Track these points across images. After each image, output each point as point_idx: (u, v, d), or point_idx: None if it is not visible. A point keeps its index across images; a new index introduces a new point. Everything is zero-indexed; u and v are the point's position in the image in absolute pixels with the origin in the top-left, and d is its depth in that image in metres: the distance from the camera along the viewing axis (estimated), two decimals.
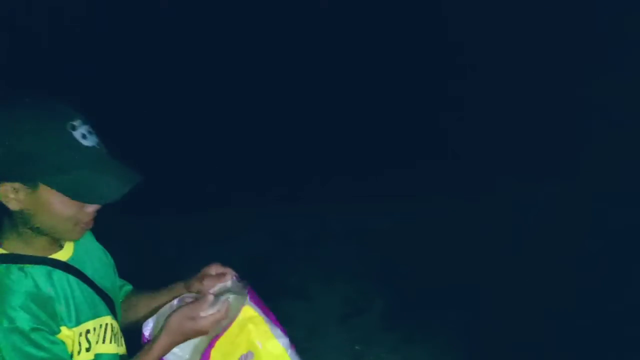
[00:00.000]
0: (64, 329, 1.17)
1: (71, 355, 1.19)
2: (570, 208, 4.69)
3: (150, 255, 4.68)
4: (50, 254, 1.23)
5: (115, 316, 1.37)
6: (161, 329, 1.31)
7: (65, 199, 1.13)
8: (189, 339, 1.33)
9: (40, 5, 6.19)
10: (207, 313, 1.30)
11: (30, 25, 6.22)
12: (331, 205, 5.23)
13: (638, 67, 5.52)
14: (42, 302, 1.13)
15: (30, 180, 1.09)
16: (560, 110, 5.82)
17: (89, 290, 1.28)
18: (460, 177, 5.34)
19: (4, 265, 1.14)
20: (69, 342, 1.18)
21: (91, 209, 1.22)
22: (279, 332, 1.42)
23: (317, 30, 6.66)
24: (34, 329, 1.09)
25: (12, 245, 1.18)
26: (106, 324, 1.31)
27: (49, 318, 1.14)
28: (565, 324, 3.38)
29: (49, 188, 1.11)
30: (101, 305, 1.31)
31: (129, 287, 1.67)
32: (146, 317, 1.47)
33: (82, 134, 1.15)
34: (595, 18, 5.88)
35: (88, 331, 1.23)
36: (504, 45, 6.17)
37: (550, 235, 4.32)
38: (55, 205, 1.13)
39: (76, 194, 1.14)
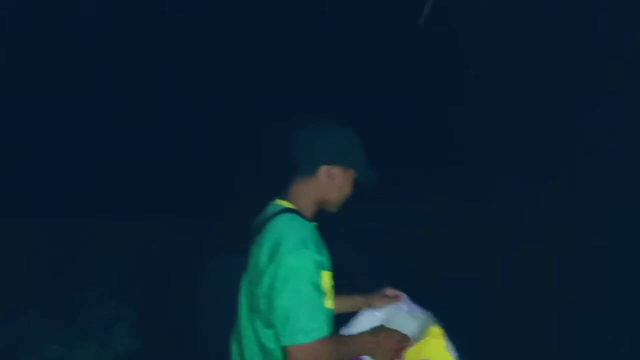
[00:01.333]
0: (325, 272, 1.51)
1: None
2: (570, 208, 4.70)
3: (150, 256, 4.69)
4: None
5: None
6: (369, 332, 1.66)
7: (351, 182, 1.65)
8: (378, 355, 1.61)
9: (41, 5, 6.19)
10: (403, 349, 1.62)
11: (31, 25, 6.22)
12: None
13: (638, 69, 5.52)
14: (321, 248, 1.53)
15: (348, 165, 1.62)
16: (560, 113, 5.83)
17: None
18: (461, 178, 5.35)
19: (293, 214, 1.56)
20: (327, 282, 1.51)
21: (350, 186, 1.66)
22: (451, 347, 1.84)
23: (317, 31, 6.66)
24: (318, 264, 1.47)
25: (298, 205, 1.61)
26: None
27: (323, 261, 1.51)
28: (565, 323, 3.38)
29: (352, 172, 1.65)
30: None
31: None
32: None
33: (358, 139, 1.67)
34: (595, 23, 5.89)
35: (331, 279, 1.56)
36: (506, 49, 6.17)
37: (550, 236, 4.33)
38: (348, 184, 1.66)
39: (368, 179, 1.67)
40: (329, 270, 1.53)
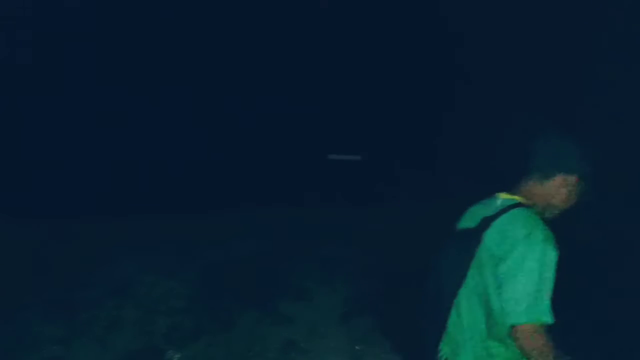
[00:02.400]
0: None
1: None
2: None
3: (152, 256, 4.69)
4: None
5: None
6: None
7: (578, 194, 1.85)
8: None
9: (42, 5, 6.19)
10: None
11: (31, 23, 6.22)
12: (331, 206, 5.24)
13: (637, 67, 5.52)
14: (554, 244, 1.69)
15: (581, 177, 1.82)
16: (560, 112, 5.83)
17: None
18: (460, 178, 5.35)
19: (532, 209, 1.77)
20: None
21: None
22: None
23: (317, 31, 6.66)
24: (555, 259, 1.67)
25: (528, 203, 1.80)
26: None
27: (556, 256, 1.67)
28: (564, 323, 3.38)
29: (581, 185, 1.84)
30: None
31: None
32: None
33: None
34: (595, 22, 5.88)
35: None
36: (503, 48, 6.18)
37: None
38: (574, 195, 1.85)
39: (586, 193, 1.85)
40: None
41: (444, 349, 1.89)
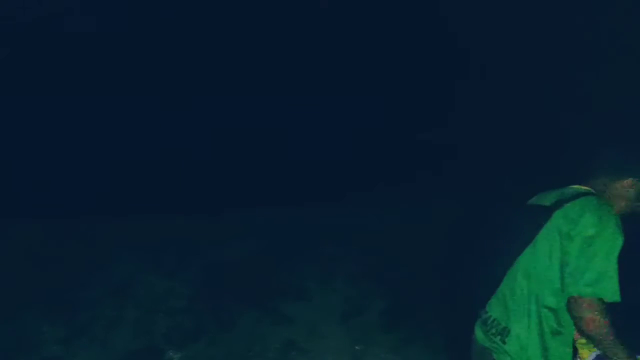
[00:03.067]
0: None
1: None
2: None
3: (152, 256, 4.69)
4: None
5: None
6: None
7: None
8: None
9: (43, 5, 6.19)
10: None
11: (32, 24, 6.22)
12: (331, 206, 5.24)
13: (636, 67, 5.52)
14: (621, 231, 1.81)
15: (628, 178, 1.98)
16: (560, 112, 5.83)
17: None
18: (460, 178, 5.35)
19: (600, 198, 1.92)
20: None
21: None
22: None
23: (317, 32, 6.66)
24: (620, 243, 1.79)
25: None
26: None
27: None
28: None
29: None
30: None
31: None
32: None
33: None
34: (595, 22, 5.89)
35: None
36: (505, 49, 6.17)
37: None
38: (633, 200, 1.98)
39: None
40: None
41: (494, 311, 2.03)
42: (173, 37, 6.49)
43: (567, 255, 1.79)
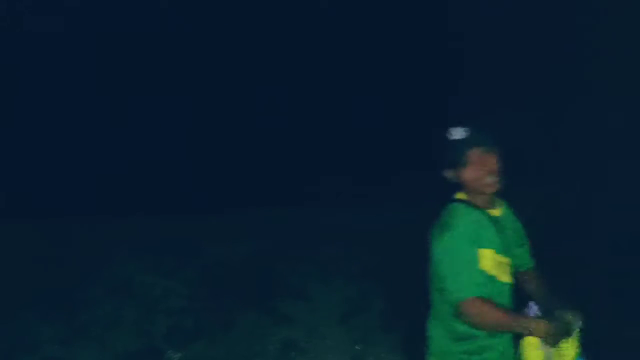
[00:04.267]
0: (483, 249, 1.83)
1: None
2: (569, 209, 4.70)
3: (152, 256, 4.70)
4: (486, 209, 1.94)
5: (510, 266, 1.95)
6: (534, 319, 1.82)
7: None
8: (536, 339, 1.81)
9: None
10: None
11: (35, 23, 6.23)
12: (331, 206, 5.24)
13: (636, 69, 5.53)
14: (477, 227, 1.84)
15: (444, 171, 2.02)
16: (559, 113, 5.83)
17: (498, 236, 1.89)
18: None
19: (463, 205, 1.94)
20: (488, 257, 1.83)
21: (470, 171, 1.92)
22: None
23: (317, 31, 6.66)
24: (470, 241, 1.81)
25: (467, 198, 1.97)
26: (507, 262, 1.92)
27: (479, 238, 1.82)
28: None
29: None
30: (508, 249, 1.92)
31: (531, 264, 2.18)
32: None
33: (454, 133, 1.99)
34: (594, 25, 5.88)
35: (495, 258, 1.86)
36: (503, 49, 6.18)
37: (549, 236, 4.33)
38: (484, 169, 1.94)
39: (453, 167, 1.98)
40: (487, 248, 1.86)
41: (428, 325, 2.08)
42: (173, 37, 6.49)
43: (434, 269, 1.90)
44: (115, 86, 6.05)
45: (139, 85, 6.11)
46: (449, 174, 2.01)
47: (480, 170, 1.92)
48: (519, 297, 2.03)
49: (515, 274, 2.06)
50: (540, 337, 1.80)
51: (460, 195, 2.03)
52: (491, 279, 1.87)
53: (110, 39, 6.31)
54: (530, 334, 1.80)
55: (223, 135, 5.98)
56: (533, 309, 1.97)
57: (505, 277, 1.94)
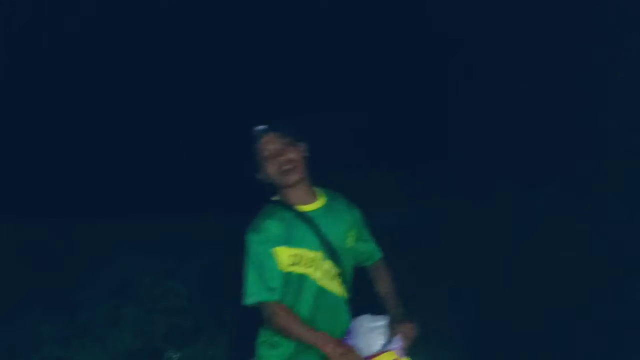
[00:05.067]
0: (280, 247, 1.80)
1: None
2: (569, 210, 4.70)
3: (152, 256, 4.69)
4: (299, 205, 1.88)
5: (334, 261, 1.89)
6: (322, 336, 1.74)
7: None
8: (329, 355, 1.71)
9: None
10: None
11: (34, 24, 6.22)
12: None
13: (636, 70, 5.52)
14: (280, 227, 1.80)
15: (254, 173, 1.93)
16: (559, 115, 5.83)
17: (311, 231, 1.83)
18: (460, 179, 5.35)
19: (271, 205, 1.91)
20: (280, 255, 1.80)
21: (269, 165, 1.86)
22: None
23: (317, 32, 6.66)
24: (264, 241, 1.79)
25: (279, 198, 1.92)
26: (316, 258, 1.84)
27: (281, 238, 1.79)
28: (564, 325, 3.39)
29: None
30: (317, 245, 1.84)
31: (378, 255, 2.18)
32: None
33: (257, 130, 1.90)
34: (593, 26, 5.88)
35: (298, 254, 1.82)
36: (504, 51, 6.17)
37: (549, 237, 4.33)
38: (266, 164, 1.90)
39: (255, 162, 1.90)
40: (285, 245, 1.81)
41: None
42: (173, 36, 6.49)
43: None
44: (115, 85, 6.05)
45: (136, 85, 6.11)
46: (259, 176, 1.94)
47: (274, 162, 1.86)
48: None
49: (366, 269, 2.07)
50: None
51: (276, 197, 1.96)
52: (302, 278, 1.83)
53: (107, 40, 6.31)
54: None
55: (223, 134, 5.97)
56: (361, 323, 1.89)
57: (319, 275, 1.86)
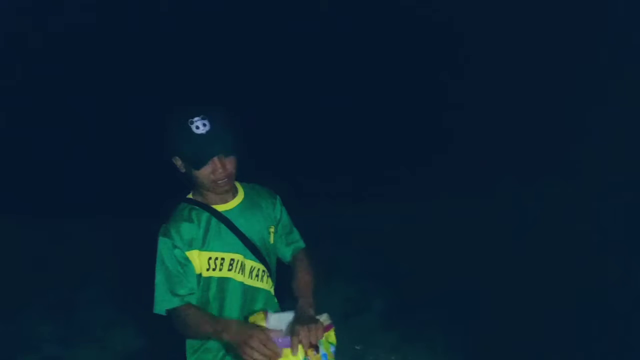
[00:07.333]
0: (194, 251, 1.74)
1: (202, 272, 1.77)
2: (569, 207, 4.70)
3: (152, 256, 4.69)
4: (216, 204, 1.81)
5: (258, 259, 1.86)
6: (233, 324, 1.67)
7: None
8: (234, 344, 1.65)
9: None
10: (260, 348, 1.58)
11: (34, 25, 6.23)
12: (331, 205, 5.24)
13: (636, 66, 5.52)
14: (185, 231, 1.74)
15: (174, 157, 1.78)
16: (559, 111, 5.83)
17: (230, 233, 1.78)
18: (460, 177, 5.35)
19: (185, 204, 1.84)
20: (196, 259, 1.74)
21: (205, 171, 1.72)
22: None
23: (317, 32, 6.66)
24: (175, 246, 1.73)
25: (195, 196, 1.86)
26: (237, 260, 1.80)
27: (185, 241, 1.73)
28: (565, 323, 3.38)
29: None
30: (237, 245, 1.79)
31: (300, 244, 2.11)
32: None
33: (197, 126, 1.68)
34: (593, 21, 5.89)
35: (217, 258, 1.76)
36: (504, 48, 6.18)
37: (550, 235, 4.33)
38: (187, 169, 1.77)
39: (190, 163, 1.74)
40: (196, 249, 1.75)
41: None
42: (173, 37, 6.49)
43: None
44: (114, 85, 6.05)
45: (136, 84, 6.11)
46: (178, 162, 1.81)
47: (216, 172, 1.73)
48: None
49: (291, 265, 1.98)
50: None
51: (190, 195, 1.89)
52: (223, 281, 1.77)
53: (107, 40, 6.31)
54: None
55: None
56: (271, 319, 1.73)
57: (236, 275, 1.80)
